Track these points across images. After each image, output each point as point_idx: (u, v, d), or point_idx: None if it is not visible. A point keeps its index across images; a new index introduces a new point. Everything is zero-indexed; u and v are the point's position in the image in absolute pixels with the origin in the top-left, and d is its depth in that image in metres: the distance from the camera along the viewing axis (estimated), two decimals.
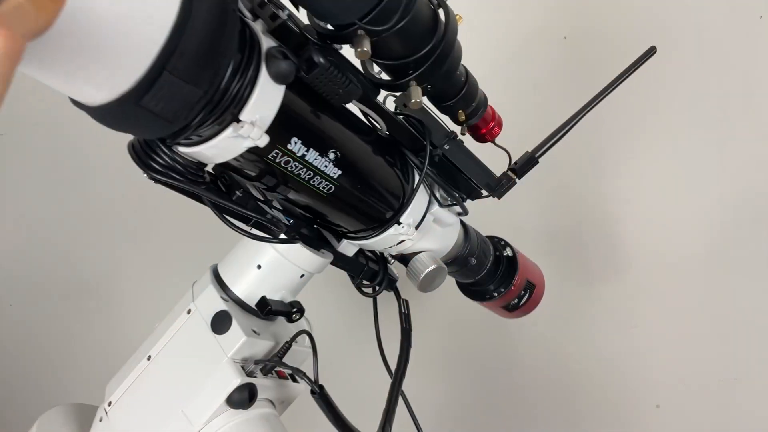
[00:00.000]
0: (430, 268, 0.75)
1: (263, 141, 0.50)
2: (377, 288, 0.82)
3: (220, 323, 0.71)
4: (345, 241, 0.78)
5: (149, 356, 0.74)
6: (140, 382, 0.74)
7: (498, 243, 0.96)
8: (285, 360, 0.73)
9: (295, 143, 0.54)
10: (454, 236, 0.84)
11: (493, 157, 0.80)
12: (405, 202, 0.71)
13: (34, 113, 1.43)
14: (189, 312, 0.73)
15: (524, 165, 0.83)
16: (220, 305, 0.72)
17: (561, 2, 1.43)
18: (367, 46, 0.50)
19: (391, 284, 0.83)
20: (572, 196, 1.47)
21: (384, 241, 0.73)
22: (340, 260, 0.77)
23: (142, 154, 0.52)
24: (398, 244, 0.74)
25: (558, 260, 1.44)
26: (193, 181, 0.55)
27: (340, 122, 0.61)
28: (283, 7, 0.52)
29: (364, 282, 0.82)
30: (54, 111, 1.41)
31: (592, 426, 1.42)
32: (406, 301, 0.81)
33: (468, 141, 0.75)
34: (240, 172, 0.58)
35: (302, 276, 0.74)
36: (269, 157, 0.54)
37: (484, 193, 0.82)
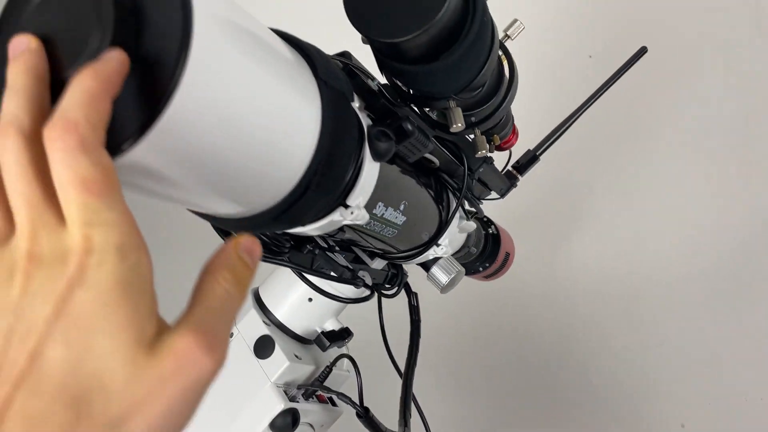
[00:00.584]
0: (453, 275, 0.76)
1: (364, 219, 0.47)
2: (396, 289, 0.77)
3: (263, 347, 0.72)
4: (378, 259, 0.77)
5: None
6: None
7: (483, 222, 0.97)
8: (326, 383, 0.74)
9: (380, 207, 0.53)
10: (465, 234, 0.86)
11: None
12: (443, 225, 0.71)
13: None
14: (231, 335, 0.74)
15: (526, 163, 0.84)
16: (263, 330, 0.72)
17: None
18: (461, 120, 0.51)
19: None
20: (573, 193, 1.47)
21: (418, 260, 0.74)
22: (373, 275, 0.76)
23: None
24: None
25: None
26: (277, 252, 0.55)
27: (408, 173, 0.60)
28: (372, 77, 0.51)
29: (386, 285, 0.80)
30: None
31: None
32: (416, 294, 0.81)
33: None
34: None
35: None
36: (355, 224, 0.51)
37: (494, 194, 0.83)
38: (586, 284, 1.46)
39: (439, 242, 0.71)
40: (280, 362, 0.70)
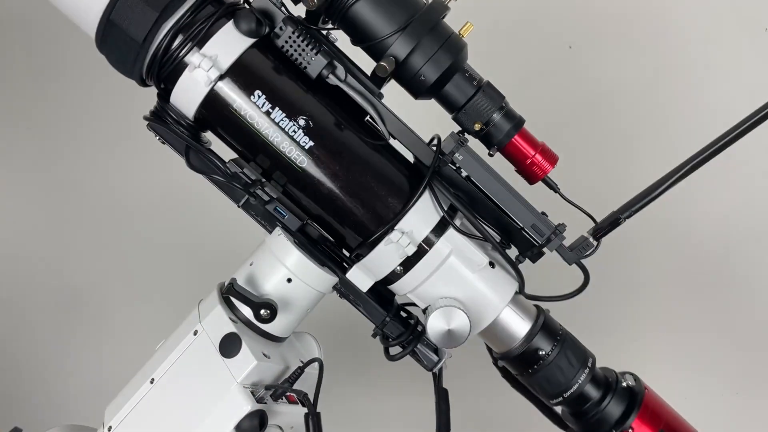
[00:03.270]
0: (434, 315, 0.64)
1: (220, 70, 0.60)
2: (403, 348, 0.70)
3: (229, 346, 0.68)
4: (354, 270, 0.70)
5: (152, 379, 0.71)
6: (143, 406, 0.71)
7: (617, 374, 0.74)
8: (296, 384, 0.70)
9: (259, 97, 0.62)
10: (498, 296, 0.67)
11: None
12: (403, 209, 0.65)
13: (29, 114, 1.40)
14: (195, 333, 0.70)
15: (607, 226, 0.68)
16: (229, 327, 0.68)
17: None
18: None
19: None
20: None
21: (381, 259, 0.66)
22: (348, 290, 0.70)
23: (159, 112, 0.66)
24: (411, 286, 0.67)
25: None
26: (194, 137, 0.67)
27: (321, 97, 0.65)
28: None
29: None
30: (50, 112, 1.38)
31: None
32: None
33: (525, 186, 0.69)
34: (226, 137, 0.67)
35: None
36: (234, 109, 0.63)
37: (540, 243, 0.67)
38: None
39: (396, 228, 0.65)
40: (246, 362, 0.66)
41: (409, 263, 0.66)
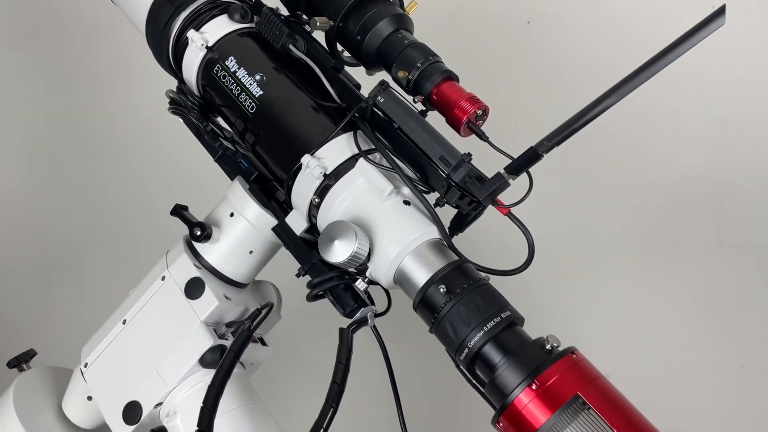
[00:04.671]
0: (325, 227, 0.64)
1: (210, 41, 0.80)
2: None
3: (193, 289, 0.75)
4: (291, 213, 0.75)
5: (124, 320, 0.78)
6: (116, 344, 0.78)
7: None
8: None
9: (231, 61, 0.79)
10: (405, 233, 0.64)
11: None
12: (323, 143, 0.71)
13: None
14: (163, 279, 0.77)
15: (525, 162, 0.63)
16: (194, 272, 0.75)
17: None
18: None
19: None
20: None
21: (301, 189, 0.71)
22: (283, 231, 0.75)
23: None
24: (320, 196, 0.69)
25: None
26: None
27: (282, 63, 0.79)
28: None
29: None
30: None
31: None
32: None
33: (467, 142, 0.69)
34: (215, 101, 0.82)
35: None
36: (215, 70, 0.80)
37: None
38: None
39: (315, 154, 0.69)
40: (209, 302, 0.73)
41: (323, 193, 0.69)
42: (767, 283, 1.41)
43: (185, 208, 0.79)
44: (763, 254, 1.41)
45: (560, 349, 0.57)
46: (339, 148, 0.71)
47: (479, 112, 0.69)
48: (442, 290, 0.61)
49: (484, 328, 0.58)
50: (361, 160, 0.68)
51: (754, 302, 1.41)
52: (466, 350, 0.59)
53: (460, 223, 0.70)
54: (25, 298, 1.46)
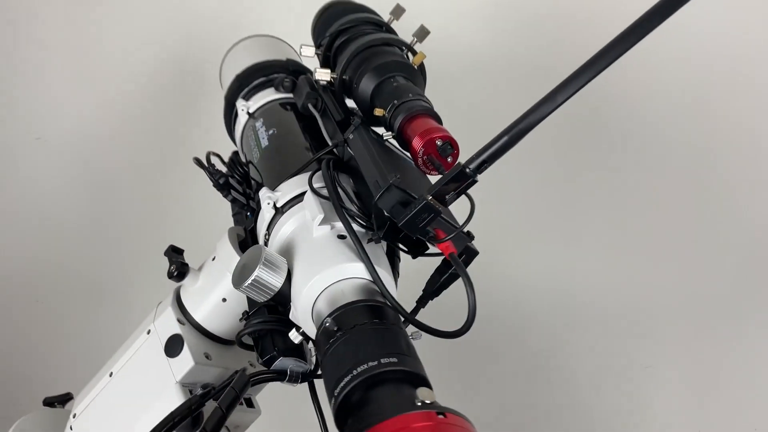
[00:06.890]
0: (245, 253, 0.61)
1: (248, 110, 0.89)
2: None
3: (173, 346, 0.72)
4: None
5: (111, 373, 0.76)
6: (102, 397, 0.77)
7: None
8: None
9: (259, 121, 0.86)
10: (327, 266, 0.57)
11: None
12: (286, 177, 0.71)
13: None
14: (149, 332, 0.75)
15: (449, 181, 0.54)
16: (176, 328, 0.73)
17: None
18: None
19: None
20: None
21: (260, 222, 0.70)
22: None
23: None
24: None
25: None
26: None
27: (298, 121, 0.85)
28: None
29: None
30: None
31: None
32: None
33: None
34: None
35: None
36: (245, 130, 0.88)
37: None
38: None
39: (278, 189, 0.69)
40: (185, 362, 0.70)
41: (271, 224, 0.67)
42: None
43: (180, 251, 0.77)
44: None
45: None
46: (297, 183, 0.69)
47: (439, 143, 0.62)
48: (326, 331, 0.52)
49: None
50: (308, 193, 0.64)
51: None
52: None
53: (437, 286, 0.62)
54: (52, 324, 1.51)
